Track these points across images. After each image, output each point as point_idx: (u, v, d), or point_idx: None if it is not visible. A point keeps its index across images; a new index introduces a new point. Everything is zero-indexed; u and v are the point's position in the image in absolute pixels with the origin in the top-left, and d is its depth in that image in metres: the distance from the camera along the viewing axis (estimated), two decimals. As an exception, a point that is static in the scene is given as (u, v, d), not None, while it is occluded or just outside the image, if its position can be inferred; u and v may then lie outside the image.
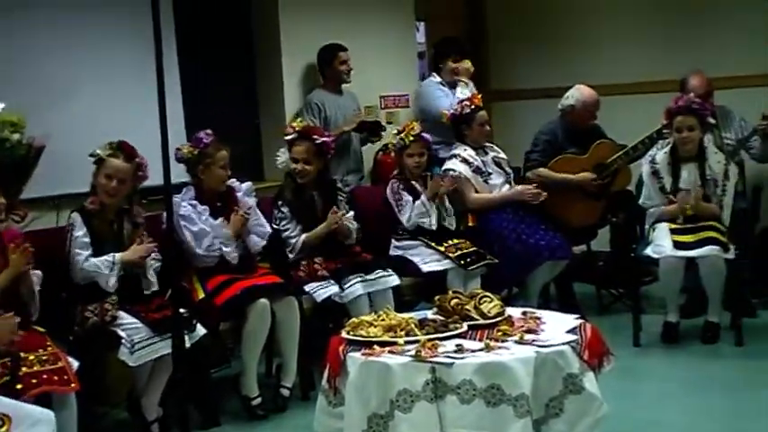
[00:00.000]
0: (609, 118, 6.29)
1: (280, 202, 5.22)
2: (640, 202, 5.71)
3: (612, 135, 6.24)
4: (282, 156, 5.28)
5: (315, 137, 5.23)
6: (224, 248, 4.81)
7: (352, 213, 5.37)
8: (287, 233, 5.17)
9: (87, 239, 4.41)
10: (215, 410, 4.70)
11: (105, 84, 5.26)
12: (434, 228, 5.57)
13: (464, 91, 6.35)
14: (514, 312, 3.97)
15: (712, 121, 5.69)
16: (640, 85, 7.19)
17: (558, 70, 7.35)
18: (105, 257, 4.39)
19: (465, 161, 5.85)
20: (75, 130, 4.79)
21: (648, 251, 5.42)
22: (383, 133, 6.42)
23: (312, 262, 5.13)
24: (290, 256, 5.16)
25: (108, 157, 4.48)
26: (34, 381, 3.68)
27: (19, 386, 3.62)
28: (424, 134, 5.67)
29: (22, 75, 4.85)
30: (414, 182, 5.67)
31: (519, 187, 5.92)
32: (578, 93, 6.16)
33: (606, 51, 7.39)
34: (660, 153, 5.62)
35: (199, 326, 4.45)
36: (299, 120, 5.40)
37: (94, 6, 5.24)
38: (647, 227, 5.64)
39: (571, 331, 3.71)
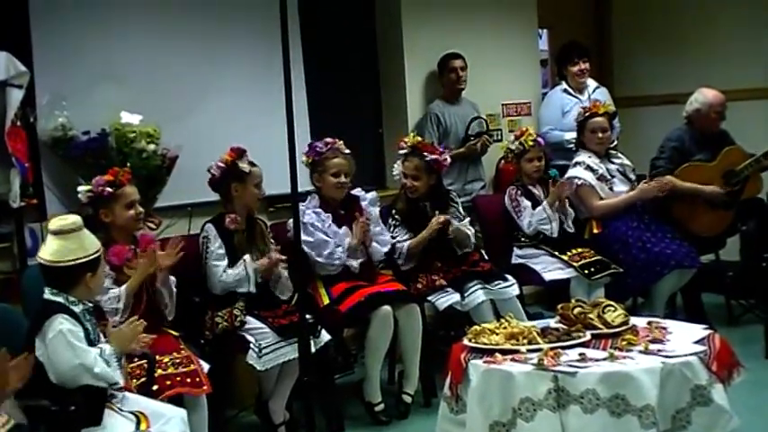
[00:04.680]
0: (736, 125, 6.10)
1: (393, 211, 5.28)
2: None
3: (740, 142, 6.05)
4: (397, 168, 5.34)
5: (425, 153, 5.25)
6: (344, 257, 4.89)
7: (468, 219, 5.40)
8: (395, 239, 5.20)
9: (222, 251, 4.56)
10: (339, 415, 4.79)
11: (234, 95, 5.43)
12: (555, 235, 5.53)
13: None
14: (639, 322, 3.92)
15: None
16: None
17: (683, 76, 7.14)
18: (239, 270, 4.50)
19: (589, 168, 5.78)
20: (207, 141, 4.95)
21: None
22: (491, 138, 6.38)
23: (430, 273, 5.15)
24: (400, 263, 5.20)
25: (253, 168, 4.63)
26: (168, 382, 3.83)
27: (154, 387, 3.77)
28: (539, 138, 5.69)
29: (158, 88, 5.05)
30: (532, 187, 5.65)
31: (641, 185, 5.77)
32: (701, 96, 5.99)
33: (732, 55, 7.14)
34: None
35: (323, 332, 4.55)
36: (412, 134, 5.44)
37: (223, 22, 5.41)
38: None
39: (699, 342, 3.64)
